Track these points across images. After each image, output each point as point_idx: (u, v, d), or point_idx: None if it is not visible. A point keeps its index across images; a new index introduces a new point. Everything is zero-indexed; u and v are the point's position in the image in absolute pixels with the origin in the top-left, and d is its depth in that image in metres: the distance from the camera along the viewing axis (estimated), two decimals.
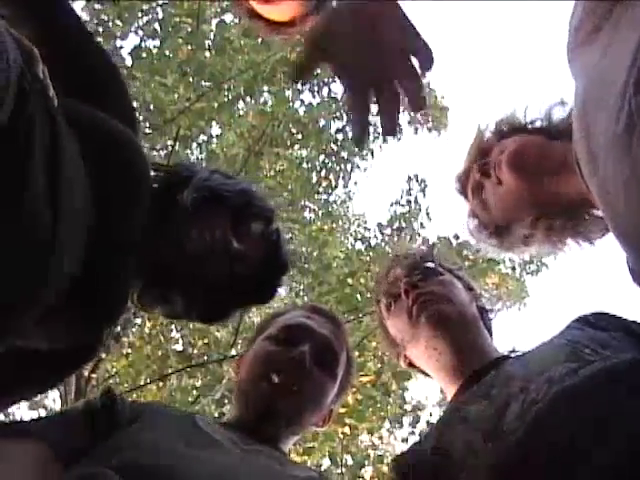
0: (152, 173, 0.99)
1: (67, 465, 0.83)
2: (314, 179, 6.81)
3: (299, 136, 6.26)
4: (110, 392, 1.00)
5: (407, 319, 1.18)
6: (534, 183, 1.11)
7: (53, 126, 0.73)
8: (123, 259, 0.90)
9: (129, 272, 0.94)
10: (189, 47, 5.01)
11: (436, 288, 1.19)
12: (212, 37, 5.32)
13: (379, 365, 5.43)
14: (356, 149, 6.92)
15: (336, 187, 7.18)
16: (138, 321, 5.55)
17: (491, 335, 1.23)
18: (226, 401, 4.89)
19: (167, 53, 5.11)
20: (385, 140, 7.05)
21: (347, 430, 5.38)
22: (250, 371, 1.12)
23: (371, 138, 7.01)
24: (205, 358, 5.38)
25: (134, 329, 5.50)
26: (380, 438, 6.38)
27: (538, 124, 1.17)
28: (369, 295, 5.51)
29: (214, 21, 5.54)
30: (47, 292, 0.77)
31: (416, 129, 7.81)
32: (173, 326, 5.57)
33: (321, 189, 6.97)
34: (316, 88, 6.49)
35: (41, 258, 0.73)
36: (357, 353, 4.74)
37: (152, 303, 1.05)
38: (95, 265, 0.83)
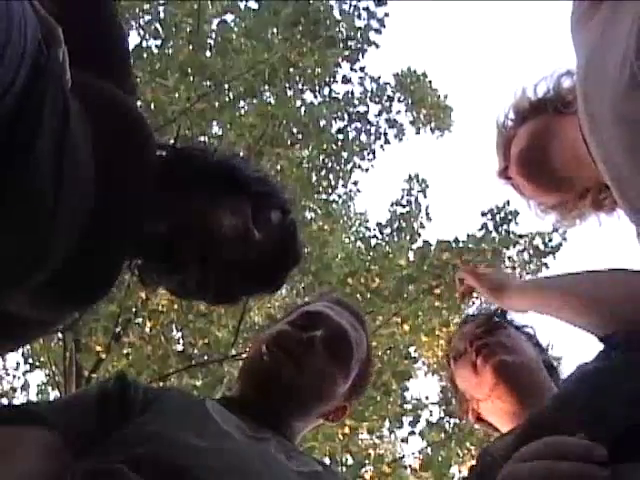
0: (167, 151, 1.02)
1: (77, 450, 0.82)
2: (314, 179, 6.80)
3: (299, 136, 6.25)
4: (123, 377, 0.99)
5: (472, 370, 1.24)
6: (548, 177, 1.16)
7: (65, 108, 0.74)
8: (120, 237, 0.89)
9: (121, 254, 0.93)
10: (190, 47, 5.00)
11: (500, 340, 1.24)
12: (213, 37, 5.33)
13: (379, 365, 5.43)
14: (356, 149, 6.91)
15: (336, 187, 7.17)
16: (138, 321, 5.55)
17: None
18: None
19: (168, 53, 5.11)
20: (387, 140, 7.05)
21: (347, 430, 5.39)
22: (258, 347, 1.11)
23: (372, 138, 7.02)
24: (205, 358, 5.38)
25: (134, 329, 5.51)
26: (380, 438, 6.39)
27: (549, 96, 1.19)
28: (369, 295, 5.51)
29: (215, 21, 5.54)
30: (47, 265, 0.79)
31: (418, 129, 7.79)
32: (173, 326, 5.58)
33: (321, 189, 6.96)
34: (317, 88, 6.48)
35: (42, 233, 0.74)
36: None
37: (159, 278, 1.05)
38: (89, 243, 0.82)
